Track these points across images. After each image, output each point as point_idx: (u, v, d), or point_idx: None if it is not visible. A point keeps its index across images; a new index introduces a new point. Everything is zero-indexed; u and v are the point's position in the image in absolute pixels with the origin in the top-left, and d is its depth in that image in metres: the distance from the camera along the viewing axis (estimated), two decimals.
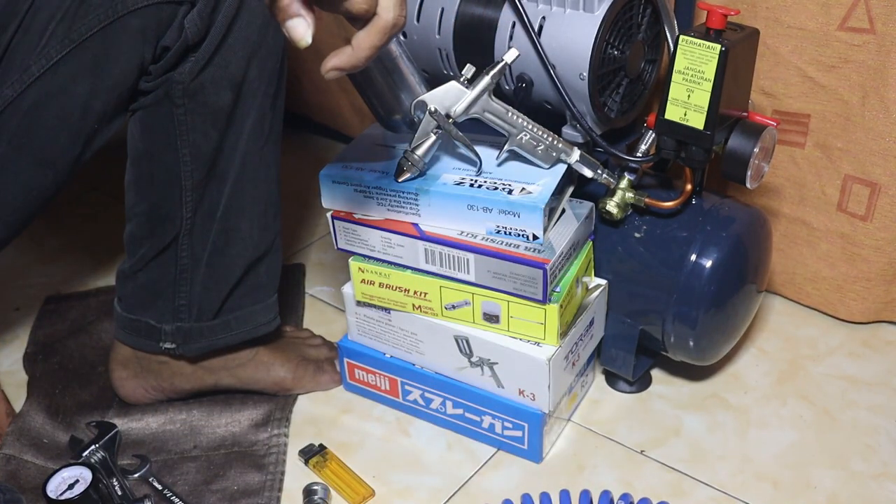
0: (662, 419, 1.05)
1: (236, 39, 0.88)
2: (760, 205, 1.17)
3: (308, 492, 0.95)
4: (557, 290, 0.92)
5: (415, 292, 0.97)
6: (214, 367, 1.06)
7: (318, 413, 1.08)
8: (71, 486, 0.89)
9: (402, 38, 0.98)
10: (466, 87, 0.90)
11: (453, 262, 0.92)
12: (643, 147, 0.97)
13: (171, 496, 0.95)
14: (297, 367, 1.09)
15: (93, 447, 0.98)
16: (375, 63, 0.91)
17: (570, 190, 0.97)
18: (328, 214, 0.98)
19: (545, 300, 0.90)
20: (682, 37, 0.87)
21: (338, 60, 0.68)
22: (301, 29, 0.63)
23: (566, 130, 1.00)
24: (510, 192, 0.90)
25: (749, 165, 0.91)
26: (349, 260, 0.99)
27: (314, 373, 1.10)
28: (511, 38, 0.97)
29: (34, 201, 0.91)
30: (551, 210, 0.91)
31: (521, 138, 0.92)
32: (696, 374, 1.11)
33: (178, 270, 0.99)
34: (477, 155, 0.92)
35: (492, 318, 0.95)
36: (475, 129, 0.94)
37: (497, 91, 0.93)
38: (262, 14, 0.89)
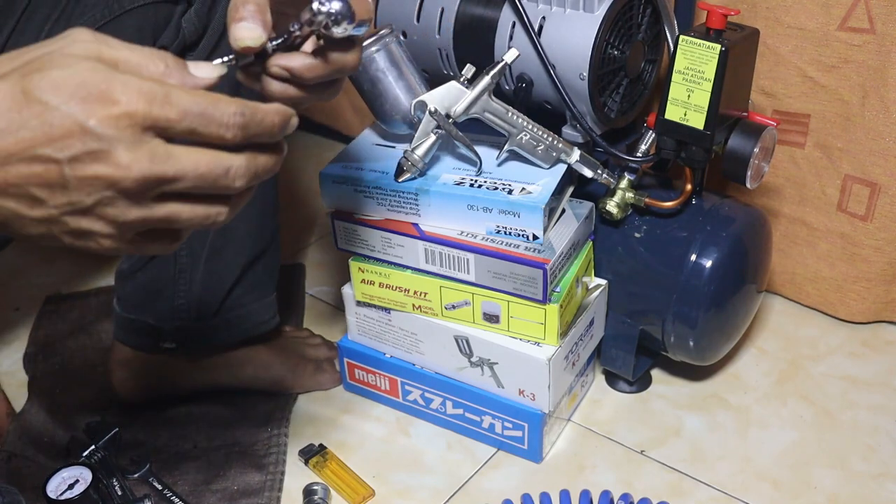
0: (662, 419, 1.05)
1: None
2: (760, 205, 1.17)
3: (308, 492, 0.95)
4: (557, 290, 0.92)
5: (415, 292, 0.97)
6: (214, 366, 1.06)
7: (318, 413, 1.08)
8: (71, 486, 0.89)
9: (402, 38, 0.98)
10: (466, 87, 0.90)
11: (453, 262, 0.92)
12: (643, 147, 0.97)
13: (171, 496, 0.95)
14: (297, 366, 1.09)
15: (93, 447, 0.98)
16: (376, 63, 0.91)
17: (570, 190, 0.97)
18: (328, 214, 0.98)
19: (545, 300, 0.90)
20: (682, 37, 0.87)
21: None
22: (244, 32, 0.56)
23: (566, 130, 1.00)
24: (510, 192, 0.90)
25: (749, 165, 0.91)
26: (349, 260, 0.99)
27: (313, 372, 1.10)
28: (511, 38, 0.97)
29: None
30: (551, 210, 0.91)
31: (521, 138, 0.92)
32: (696, 374, 1.11)
33: (177, 270, 0.99)
34: (477, 155, 0.92)
35: (492, 318, 0.95)
36: (475, 129, 0.93)
37: (497, 91, 0.93)
38: None
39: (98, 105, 0.45)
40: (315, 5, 0.56)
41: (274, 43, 0.57)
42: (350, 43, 0.59)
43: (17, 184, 0.46)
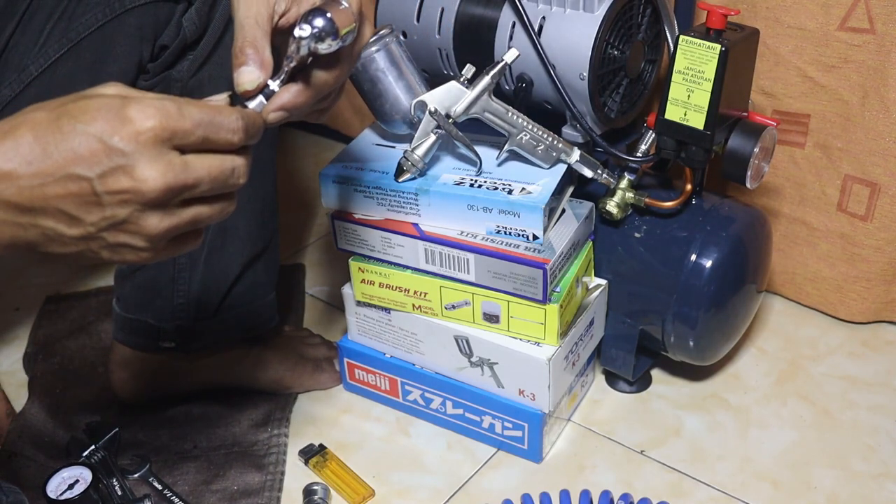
0: (662, 419, 1.05)
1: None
2: (760, 205, 1.17)
3: (308, 492, 0.95)
4: (557, 290, 0.92)
5: (415, 292, 0.97)
6: (213, 366, 1.06)
7: (318, 413, 1.08)
8: (71, 486, 0.89)
9: (402, 38, 0.98)
10: (466, 87, 0.90)
11: (453, 262, 0.92)
12: (643, 147, 0.97)
13: (171, 496, 0.95)
14: (296, 366, 1.09)
15: (93, 447, 0.98)
16: (376, 63, 0.91)
17: (570, 190, 0.97)
18: (328, 214, 0.98)
19: (545, 300, 0.90)
20: (682, 37, 0.87)
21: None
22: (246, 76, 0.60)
23: (566, 130, 1.00)
24: (510, 192, 0.90)
25: (749, 165, 0.91)
26: (349, 260, 0.99)
27: (313, 371, 1.10)
28: (511, 38, 0.97)
29: None
30: (551, 210, 0.91)
31: (521, 138, 0.92)
32: (696, 374, 1.11)
33: (177, 269, 0.99)
34: (477, 155, 0.92)
35: (492, 318, 0.95)
36: (475, 129, 0.93)
37: (497, 91, 0.93)
38: None
39: (119, 123, 0.50)
40: (297, 32, 0.58)
41: (276, 82, 0.60)
42: (334, 58, 0.62)
43: (55, 203, 0.51)
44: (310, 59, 0.60)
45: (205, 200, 0.55)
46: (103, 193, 0.51)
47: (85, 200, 0.51)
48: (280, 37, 0.63)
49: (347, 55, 0.63)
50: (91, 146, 0.50)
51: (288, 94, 0.61)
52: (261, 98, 0.60)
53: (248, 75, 0.59)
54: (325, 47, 0.59)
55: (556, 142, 0.92)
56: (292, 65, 0.60)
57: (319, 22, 0.58)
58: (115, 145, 0.50)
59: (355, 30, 0.61)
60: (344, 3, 0.60)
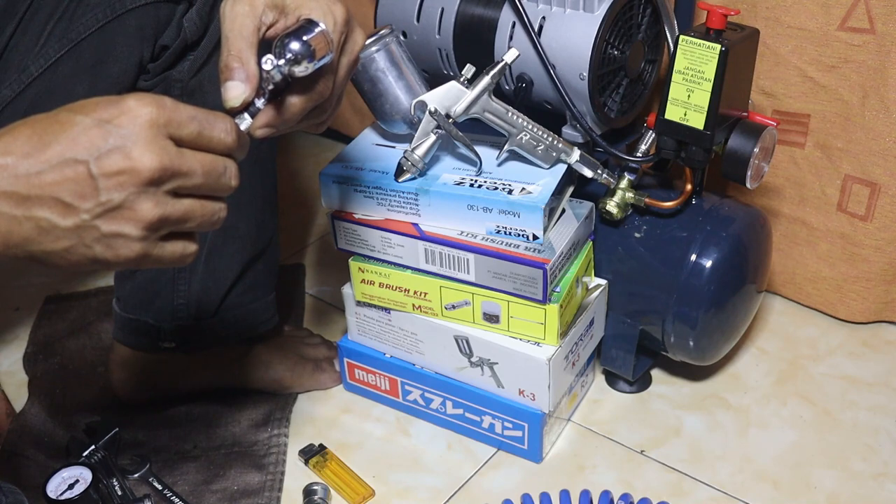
0: (662, 419, 1.05)
1: None
2: (760, 205, 1.17)
3: (308, 492, 0.95)
4: (557, 290, 0.92)
5: (415, 292, 0.97)
6: (213, 366, 1.06)
7: (318, 413, 1.08)
8: (71, 486, 0.89)
9: (402, 38, 0.98)
10: (466, 87, 0.90)
11: (453, 262, 0.92)
12: (643, 147, 0.97)
13: (171, 496, 0.95)
14: (296, 366, 1.09)
15: (93, 447, 0.98)
16: (376, 63, 0.91)
17: (570, 190, 0.97)
18: (328, 214, 0.98)
19: (545, 300, 0.90)
20: (682, 37, 0.87)
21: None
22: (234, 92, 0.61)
23: (566, 130, 1.00)
24: (510, 192, 0.90)
25: (749, 165, 0.92)
26: (349, 260, 0.99)
27: (312, 371, 1.10)
28: (511, 38, 0.97)
29: None
30: (551, 210, 0.91)
31: (521, 138, 0.92)
32: (696, 374, 1.11)
33: (177, 269, 0.99)
34: (477, 155, 0.92)
35: (492, 318, 0.95)
36: (475, 129, 0.94)
37: (497, 91, 0.93)
38: None
39: (117, 110, 0.52)
40: (262, 64, 0.59)
41: (261, 100, 0.61)
42: (314, 77, 0.63)
43: (50, 190, 0.51)
44: (289, 79, 0.61)
45: (197, 197, 0.55)
46: (99, 176, 0.51)
47: (80, 185, 0.51)
48: (268, 49, 0.63)
49: (329, 72, 0.64)
50: (89, 133, 0.51)
51: (272, 112, 0.62)
52: (246, 115, 0.61)
53: (234, 90, 0.60)
54: (301, 70, 0.60)
55: (556, 142, 0.92)
56: (270, 87, 0.61)
57: (296, 46, 0.59)
58: (112, 128, 0.51)
59: (330, 53, 0.62)
60: (321, 24, 0.61)
